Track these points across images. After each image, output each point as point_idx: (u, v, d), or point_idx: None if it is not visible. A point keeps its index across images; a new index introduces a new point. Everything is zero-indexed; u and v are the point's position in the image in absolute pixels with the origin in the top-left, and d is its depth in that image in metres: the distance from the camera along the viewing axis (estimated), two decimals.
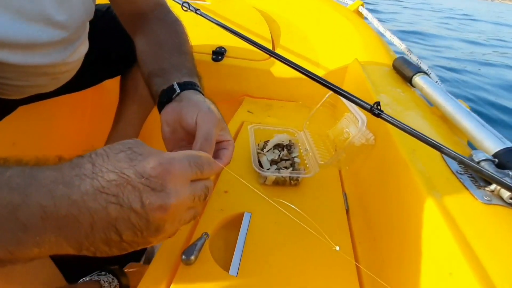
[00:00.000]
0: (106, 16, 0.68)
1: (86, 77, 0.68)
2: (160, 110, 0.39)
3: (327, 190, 0.56)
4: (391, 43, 0.94)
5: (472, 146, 0.49)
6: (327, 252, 0.43)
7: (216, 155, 0.36)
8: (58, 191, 0.21)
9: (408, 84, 0.71)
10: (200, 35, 0.97)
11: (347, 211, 0.52)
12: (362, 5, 1.10)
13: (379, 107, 0.33)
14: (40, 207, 0.20)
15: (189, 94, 0.38)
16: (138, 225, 0.23)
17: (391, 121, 0.32)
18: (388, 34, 0.90)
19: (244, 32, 1.08)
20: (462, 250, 0.27)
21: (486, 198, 0.32)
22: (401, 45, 0.85)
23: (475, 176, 0.36)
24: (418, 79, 0.68)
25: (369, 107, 0.35)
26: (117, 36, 0.64)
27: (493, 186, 0.33)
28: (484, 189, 0.34)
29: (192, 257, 0.38)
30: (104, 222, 0.22)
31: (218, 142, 0.36)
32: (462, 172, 0.36)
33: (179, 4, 0.68)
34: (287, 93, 0.92)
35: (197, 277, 0.37)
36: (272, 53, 0.46)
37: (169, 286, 0.35)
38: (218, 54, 0.94)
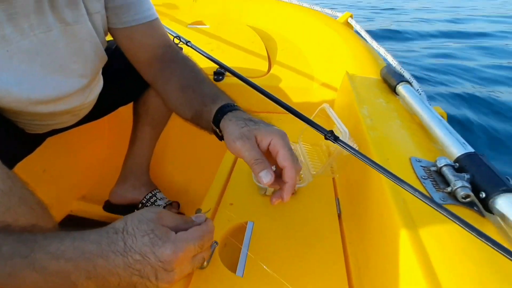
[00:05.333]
0: (116, 52, 0.76)
1: (102, 108, 0.76)
2: (216, 127, 0.48)
3: (321, 197, 0.62)
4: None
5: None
6: (320, 252, 0.50)
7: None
8: (99, 263, 0.31)
9: (394, 93, 0.77)
10: (201, 58, 1.05)
11: (339, 215, 0.58)
12: (351, 16, 1.17)
13: (332, 135, 0.43)
14: (86, 272, 0.31)
15: (241, 114, 0.47)
16: (151, 286, 0.33)
17: (345, 147, 0.41)
18: (375, 44, 0.96)
19: (242, 52, 1.17)
20: (416, 253, 0.33)
21: (441, 199, 0.38)
22: (386, 54, 0.91)
23: (438, 179, 0.43)
24: (400, 88, 0.74)
25: (323, 135, 0.45)
26: (126, 68, 0.69)
27: (449, 188, 0.40)
28: (442, 191, 0.40)
29: (205, 263, 0.45)
30: (127, 283, 0.32)
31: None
32: (426, 177, 0.43)
33: (173, 36, 0.76)
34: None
35: (210, 279, 0.44)
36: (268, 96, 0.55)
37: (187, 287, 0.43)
38: (219, 74, 1.03)
